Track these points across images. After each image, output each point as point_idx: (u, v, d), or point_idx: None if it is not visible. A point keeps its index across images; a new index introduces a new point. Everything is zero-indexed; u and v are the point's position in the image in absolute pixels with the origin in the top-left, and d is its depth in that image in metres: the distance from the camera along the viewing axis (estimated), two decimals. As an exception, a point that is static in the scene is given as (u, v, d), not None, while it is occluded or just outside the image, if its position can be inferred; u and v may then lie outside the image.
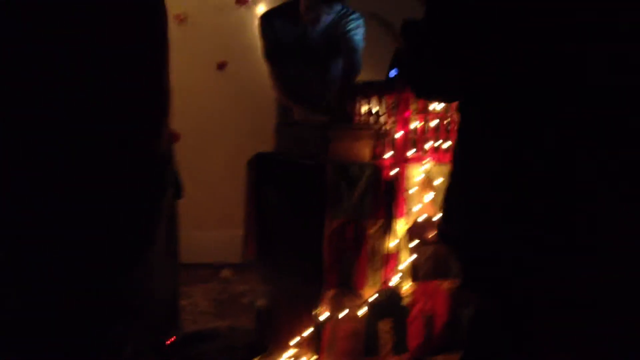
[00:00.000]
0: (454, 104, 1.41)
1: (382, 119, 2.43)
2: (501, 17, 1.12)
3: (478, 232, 1.17)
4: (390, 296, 2.38)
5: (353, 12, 2.96)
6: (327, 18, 2.88)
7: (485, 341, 1.23)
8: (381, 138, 2.41)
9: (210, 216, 3.97)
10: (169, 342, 2.52)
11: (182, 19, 3.88)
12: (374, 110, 2.47)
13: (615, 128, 1.10)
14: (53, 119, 1.39)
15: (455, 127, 2.43)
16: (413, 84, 1.31)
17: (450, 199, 1.25)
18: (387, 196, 2.37)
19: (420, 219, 2.40)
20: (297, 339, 2.35)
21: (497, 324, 1.20)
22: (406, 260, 2.39)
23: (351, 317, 2.33)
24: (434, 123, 2.42)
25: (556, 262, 1.11)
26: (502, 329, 1.19)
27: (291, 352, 2.37)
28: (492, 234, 1.14)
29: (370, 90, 2.49)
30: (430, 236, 2.39)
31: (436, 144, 2.44)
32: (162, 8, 1.52)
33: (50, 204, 1.41)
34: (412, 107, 2.40)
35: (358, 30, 2.94)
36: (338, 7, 2.88)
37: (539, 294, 1.14)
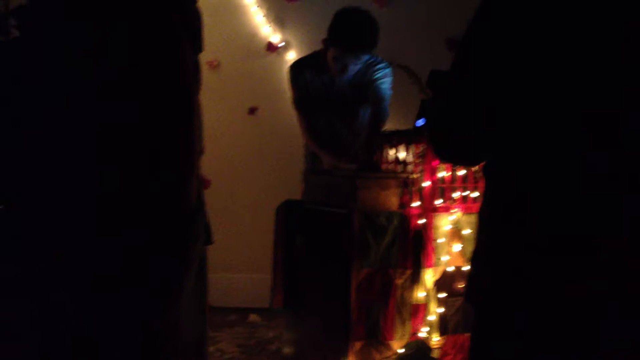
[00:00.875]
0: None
1: (409, 168, 2.43)
2: (539, 82, 1.11)
3: (507, 300, 1.15)
4: (419, 348, 2.34)
5: (381, 61, 2.99)
6: (354, 67, 2.92)
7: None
8: (409, 187, 2.40)
9: (239, 260, 3.99)
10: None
11: (214, 65, 3.98)
12: (401, 159, 2.47)
13: None
14: (81, 169, 1.43)
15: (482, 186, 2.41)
16: (438, 150, 1.30)
17: (479, 265, 1.22)
18: (415, 246, 2.36)
19: (449, 270, 2.37)
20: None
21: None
22: (435, 311, 2.35)
23: (379, 369, 2.30)
24: (461, 172, 2.41)
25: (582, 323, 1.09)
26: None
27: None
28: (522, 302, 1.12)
29: (397, 139, 2.50)
30: (459, 287, 2.35)
31: (464, 194, 2.42)
32: (195, 64, 1.56)
33: (81, 256, 1.44)
34: (440, 156, 2.40)
35: (386, 79, 2.97)
36: (366, 57, 2.91)
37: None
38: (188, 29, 1.52)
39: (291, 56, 4.01)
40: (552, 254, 1.10)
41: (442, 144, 1.25)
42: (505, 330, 1.15)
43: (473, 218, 2.36)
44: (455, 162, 1.46)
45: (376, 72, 2.96)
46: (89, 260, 1.43)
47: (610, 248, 1.08)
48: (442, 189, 2.41)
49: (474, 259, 1.25)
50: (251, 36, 4.07)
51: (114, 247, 1.43)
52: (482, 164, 1.27)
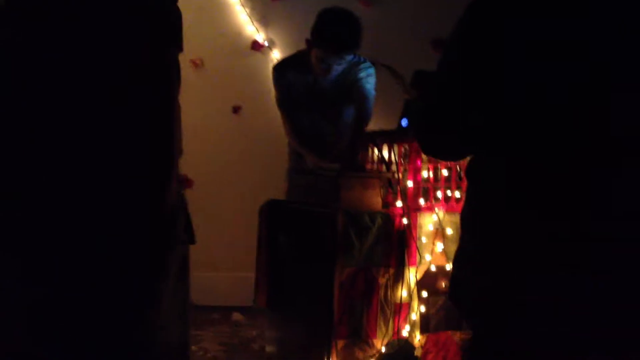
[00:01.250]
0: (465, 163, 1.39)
1: (393, 168, 2.45)
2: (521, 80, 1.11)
3: (491, 306, 1.15)
4: (402, 347, 2.35)
5: (364, 61, 3.00)
6: (338, 67, 2.93)
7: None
8: (392, 186, 2.41)
9: (223, 259, 3.98)
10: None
11: (198, 64, 3.96)
12: (385, 159, 2.48)
13: None
14: (57, 171, 1.42)
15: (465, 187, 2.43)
16: (424, 144, 1.30)
17: (464, 265, 1.22)
18: (399, 245, 2.37)
19: (431, 269, 2.38)
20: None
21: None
22: (418, 310, 2.37)
23: (362, 368, 2.31)
24: (445, 172, 2.43)
25: (574, 339, 1.09)
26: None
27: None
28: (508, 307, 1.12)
29: (381, 139, 2.51)
30: (441, 286, 2.37)
31: (447, 194, 2.43)
32: (175, 64, 1.55)
33: (56, 261, 1.43)
34: (424, 156, 2.41)
35: (369, 79, 2.98)
36: (349, 57, 2.92)
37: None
38: (168, 28, 1.52)
39: (275, 55, 4.01)
40: (543, 250, 1.10)
41: (429, 140, 1.26)
42: (496, 330, 1.15)
43: (456, 218, 2.38)
44: (441, 157, 1.46)
45: (360, 72, 2.96)
46: (66, 260, 1.42)
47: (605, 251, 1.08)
48: (426, 188, 2.42)
49: (457, 259, 1.25)
50: (235, 35, 4.05)
51: (90, 250, 1.42)
52: (466, 165, 1.28)
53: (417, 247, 2.36)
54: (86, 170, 1.41)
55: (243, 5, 4.02)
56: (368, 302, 2.33)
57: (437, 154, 1.36)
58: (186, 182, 3.69)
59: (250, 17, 4.04)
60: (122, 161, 1.43)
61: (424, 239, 2.38)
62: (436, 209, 2.40)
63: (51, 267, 1.41)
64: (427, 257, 2.38)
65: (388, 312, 2.35)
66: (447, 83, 1.20)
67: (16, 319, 1.44)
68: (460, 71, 1.17)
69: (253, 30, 4.05)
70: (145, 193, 1.46)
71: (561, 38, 1.10)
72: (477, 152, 1.22)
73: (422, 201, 2.40)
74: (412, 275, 2.37)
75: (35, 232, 1.41)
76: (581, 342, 1.09)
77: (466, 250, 1.22)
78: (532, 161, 1.12)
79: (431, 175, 2.42)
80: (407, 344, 2.37)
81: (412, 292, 2.37)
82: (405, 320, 2.37)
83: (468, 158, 1.28)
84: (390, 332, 2.35)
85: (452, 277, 1.26)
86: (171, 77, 1.51)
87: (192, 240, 2.41)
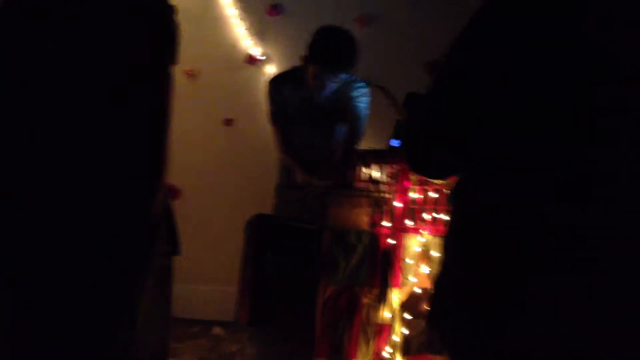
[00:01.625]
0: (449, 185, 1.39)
1: (382, 187, 2.45)
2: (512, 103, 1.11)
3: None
4: (382, 368, 2.33)
5: (359, 81, 3.02)
6: (332, 85, 2.94)
7: None
8: (380, 206, 2.41)
9: (205, 272, 3.94)
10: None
11: (192, 75, 3.96)
12: (374, 178, 2.48)
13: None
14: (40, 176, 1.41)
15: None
16: (411, 161, 1.30)
17: (442, 290, 1.22)
18: (384, 265, 2.36)
19: (416, 291, 2.37)
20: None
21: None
22: (399, 332, 2.35)
23: (341, 388, 2.28)
24: (433, 194, 2.43)
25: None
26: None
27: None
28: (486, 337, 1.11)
29: (372, 158, 2.51)
30: (424, 309, 2.36)
31: (435, 216, 2.43)
32: (167, 71, 1.55)
33: (56, 261, 1.41)
34: (413, 177, 2.42)
35: (363, 98, 2.99)
36: (344, 75, 2.94)
37: None
38: (168, 30, 1.52)
39: (270, 70, 4.02)
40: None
41: (417, 157, 1.25)
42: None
43: (442, 241, 2.37)
44: (430, 174, 1.46)
45: (354, 91, 2.98)
46: (66, 260, 1.41)
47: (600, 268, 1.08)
48: (413, 210, 2.42)
49: (438, 283, 1.25)
50: (231, 48, 4.06)
51: (90, 250, 1.41)
52: (453, 189, 1.28)
53: (401, 268, 2.36)
54: (86, 170, 1.41)
55: (240, 19, 4.04)
56: (350, 321, 2.32)
57: (426, 171, 1.36)
58: (174, 192, 3.67)
59: (246, 31, 4.05)
60: (122, 161, 1.43)
61: (409, 261, 2.38)
62: (422, 230, 2.40)
63: (51, 267, 1.39)
64: (412, 278, 2.37)
65: (370, 332, 2.34)
66: (439, 99, 1.20)
67: (15, 318, 1.42)
68: (461, 74, 1.17)
69: (249, 44, 4.07)
70: (145, 193, 1.46)
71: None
72: (463, 169, 1.22)
73: (409, 222, 2.40)
74: (396, 296, 2.36)
75: (35, 232, 1.40)
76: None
77: (445, 273, 1.22)
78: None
79: (419, 196, 2.43)
80: (387, 365, 2.35)
81: (395, 313, 2.36)
82: (386, 342, 2.35)
83: (456, 179, 1.28)
84: (370, 352, 2.33)
85: (431, 300, 1.25)
86: (169, 78, 1.52)
87: (177, 251, 2.38)
